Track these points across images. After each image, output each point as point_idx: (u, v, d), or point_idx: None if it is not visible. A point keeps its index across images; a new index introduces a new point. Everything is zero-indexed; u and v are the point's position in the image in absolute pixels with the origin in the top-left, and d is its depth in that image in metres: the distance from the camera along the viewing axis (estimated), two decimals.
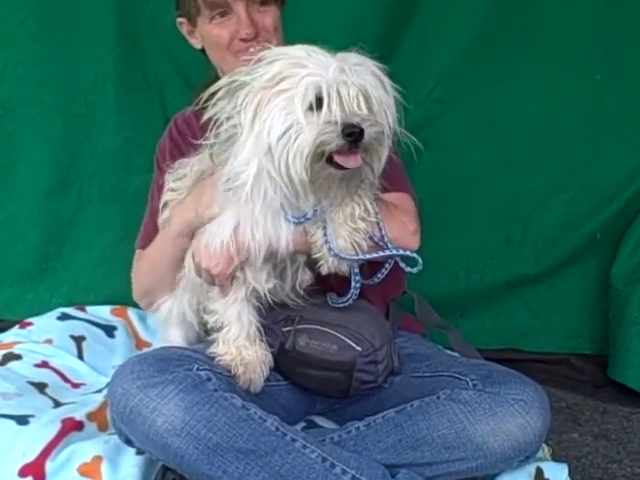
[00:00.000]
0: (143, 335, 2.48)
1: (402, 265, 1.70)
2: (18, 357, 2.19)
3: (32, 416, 1.81)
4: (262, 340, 1.70)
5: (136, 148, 2.72)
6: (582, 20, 2.79)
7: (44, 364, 2.19)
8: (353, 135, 1.47)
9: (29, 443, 1.70)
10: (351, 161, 1.50)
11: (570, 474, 1.73)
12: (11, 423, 1.78)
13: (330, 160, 1.50)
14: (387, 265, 1.72)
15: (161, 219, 1.89)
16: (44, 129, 2.78)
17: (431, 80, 2.81)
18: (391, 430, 1.65)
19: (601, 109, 2.85)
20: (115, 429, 1.65)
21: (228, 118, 1.54)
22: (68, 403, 1.98)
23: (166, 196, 1.87)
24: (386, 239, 1.67)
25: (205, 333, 1.81)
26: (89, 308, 2.56)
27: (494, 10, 2.78)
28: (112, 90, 2.75)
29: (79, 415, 1.83)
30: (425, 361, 1.81)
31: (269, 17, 1.96)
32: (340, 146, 1.48)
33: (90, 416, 1.86)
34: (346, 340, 1.71)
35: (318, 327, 1.73)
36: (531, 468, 1.68)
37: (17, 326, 2.41)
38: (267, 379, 1.69)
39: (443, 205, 2.80)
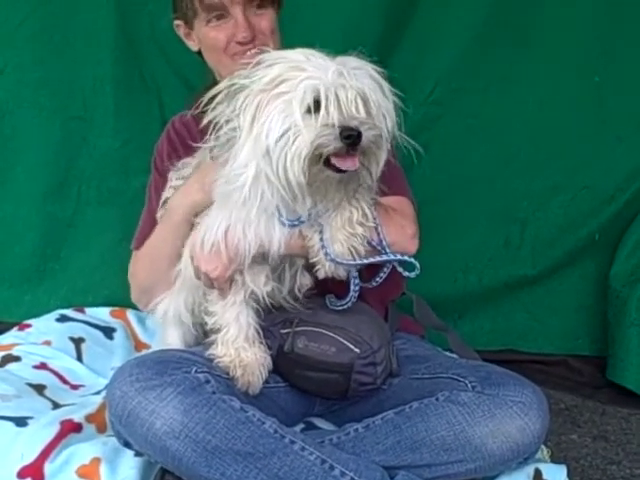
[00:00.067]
0: (142, 337, 2.48)
1: (400, 270, 1.71)
2: (17, 359, 2.19)
3: (31, 418, 1.81)
4: (261, 342, 1.71)
5: (134, 150, 2.72)
6: (582, 20, 2.79)
7: (43, 366, 2.19)
8: (351, 138, 1.47)
9: (28, 445, 1.70)
10: (349, 163, 1.50)
11: (569, 475, 1.74)
12: (10, 425, 1.78)
13: (328, 163, 1.50)
14: (385, 269, 1.72)
15: (159, 215, 1.90)
16: (42, 132, 2.77)
17: (430, 82, 2.81)
18: (390, 432, 1.65)
19: (601, 110, 2.85)
20: (113, 432, 1.65)
21: (227, 121, 1.54)
22: (67, 405, 1.98)
23: (167, 193, 1.88)
24: (384, 243, 1.67)
25: (204, 335, 1.81)
26: (88, 310, 2.57)
27: (494, 10, 2.78)
28: (110, 93, 2.75)
29: (78, 417, 1.83)
30: (424, 363, 1.81)
31: (266, 20, 1.96)
32: (338, 149, 1.48)
33: (89, 418, 1.86)
34: (344, 342, 1.71)
35: (317, 329, 1.73)
36: (530, 469, 1.69)
37: (16, 328, 2.42)
38: (266, 381, 1.69)
39: (442, 207, 2.80)
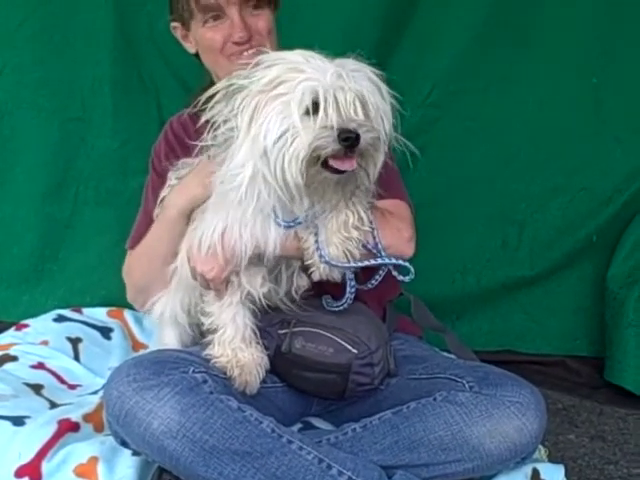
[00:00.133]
0: (139, 337, 2.48)
1: (395, 273, 1.71)
2: (14, 358, 2.19)
3: (28, 417, 1.82)
4: (258, 342, 1.71)
5: (132, 151, 2.72)
6: (582, 21, 2.79)
7: (40, 365, 2.19)
8: (349, 140, 1.47)
9: (25, 444, 1.71)
10: (346, 164, 1.50)
11: (566, 475, 1.74)
12: (7, 424, 1.78)
13: (325, 164, 1.51)
14: (381, 272, 1.72)
15: (156, 213, 1.90)
16: (41, 132, 2.77)
17: (427, 84, 2.81)
18: (387, 431, 1.65)
19: (600, 111, 2.85)
20: (111, 431, 1.65)
21: (225, 121, 1.55)
22: (64, 404, 1.98)
23: (164, 192, 1.88)
24: (379, 246, 1.68)
25: (200, 335, 1.81)
26: (85, 310, 2.57)
27: (494, 10, 2.78)
28: (109, 93, 2.75)
29: (75, 416, 1.84)
30: (421, 363, 1.81)
31: (262, 21, 1.96)
32: (336, 151, 1.48)
33: (86, 417, 1.86)
34: (342, 343, 1.72)
35: (314, 330, 1.74)
36: (527, 469, 1.69)
37: (13, 328, 2.42)
38: (263, 381, 1.69)
39: (440, 208, 2.80)
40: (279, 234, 1.62)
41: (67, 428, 1.78)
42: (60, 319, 2.46)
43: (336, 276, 1.66)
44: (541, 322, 2.92)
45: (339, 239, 1.61)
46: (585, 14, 2.79)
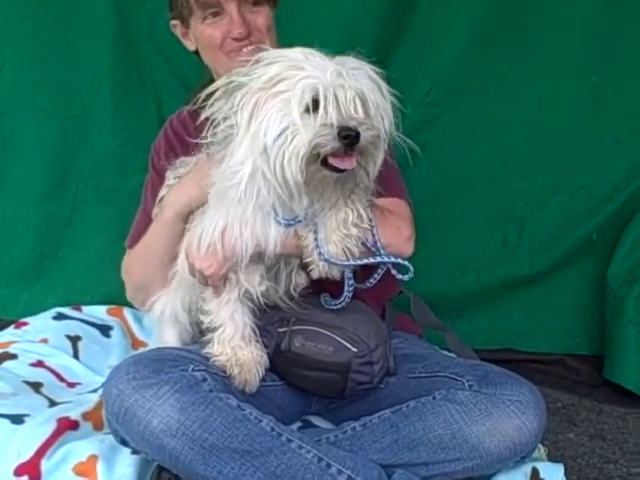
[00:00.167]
0: (139, 335, 2.48)
1: (394, 272, 1.71)
2: (13, 356, 2.19)
3: (27, 415, 1.81)
4: (257, 341, 1.71)
5: (132, 150, 2.72)
6: (582, 21, 2.79)
7: (39, 363, 2.19)
8: (349, 138, 1.47)
9: (24, 442, 1.70)
10: (346, 163, 1.50)
11: (566, 474, 1.74)
12: (6, 422, 1.78)
13: (325, 162, 1.51)
14: (380, 270, 1.72)
15: (155, 212, 1.90)
16: (40, 132, 2.78)
17: (427, 83, 2.81)
18: (387, 430, 1.65)
19: (600, 110, 2.85)
20: (110, 429, 1.65)
21: (225, 118, 1.55)
22: (63, 402, 1.98)
23: (163, 191, 1.88)
24: (379, 245, 1.68)
25: (200, 333, 1.81)
26: (85, 308, 2.56)
27: (494, 10, 2.78)
28: (108, 92, 2.75)
29: (74, 414, 1.84)
30: (421, 362, 1.81)
31: (262, 17, 1.96)
32: (336, 149, 1.48)
33: (86, 415, 1.86)
34: (342, 341, 1.72)
35: (314, 328, 1.73)
36: (527, 468, 1.69)
37: (12, 326, 2.41)
38: (262, 379, 1.69)
39: (440, 207, 2.80)
40: (279, 232, 1.61)
41: (66, 426, 1.78)
42: (60, 317, 2.45)
43: (335, 274, 1.65)
44: (541, 320, 2.92)
45: (338, 237, 1.61)
46: (585, 14, 2.79)
